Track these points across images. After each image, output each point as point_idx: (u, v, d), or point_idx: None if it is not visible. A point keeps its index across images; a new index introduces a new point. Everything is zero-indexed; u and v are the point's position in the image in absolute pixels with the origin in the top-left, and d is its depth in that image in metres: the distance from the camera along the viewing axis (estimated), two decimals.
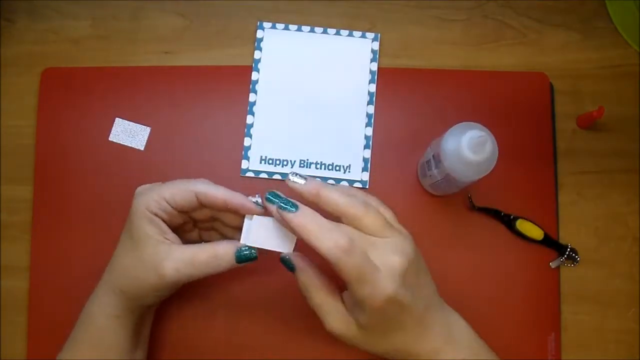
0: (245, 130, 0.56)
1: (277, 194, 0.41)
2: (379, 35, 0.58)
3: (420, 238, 0.55)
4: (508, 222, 0.55)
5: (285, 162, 0.56)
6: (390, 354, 0.43)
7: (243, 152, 0.56)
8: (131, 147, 0.56)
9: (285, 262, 0.43)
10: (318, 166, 0.56)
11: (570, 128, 0.58)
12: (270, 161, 0.56)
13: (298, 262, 0.42)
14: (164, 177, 0.54)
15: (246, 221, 0.43)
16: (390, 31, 0.59)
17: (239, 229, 0.43)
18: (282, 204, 0.39)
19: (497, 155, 0.45)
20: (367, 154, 0.56)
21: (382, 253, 0.39)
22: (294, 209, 0.39)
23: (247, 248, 0.42)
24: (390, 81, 0.58)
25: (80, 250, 0.54)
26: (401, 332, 0.41)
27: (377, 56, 0.58)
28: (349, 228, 0.39)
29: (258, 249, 0.42)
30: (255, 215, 0.43)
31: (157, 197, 0.42)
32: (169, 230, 0.43)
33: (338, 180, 0.55)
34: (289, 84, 0.57)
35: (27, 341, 0.53)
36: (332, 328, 0.41)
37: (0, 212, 0.55)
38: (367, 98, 0.57)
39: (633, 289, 0.55)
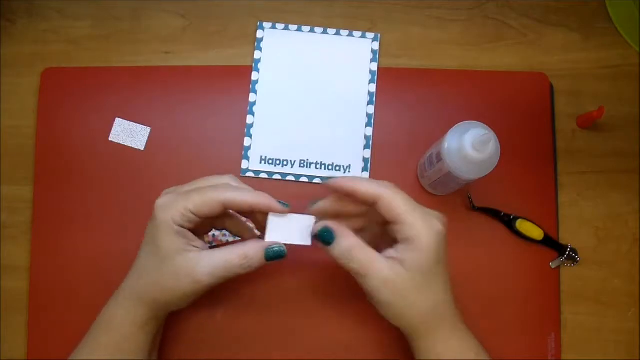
0: (245, 130, 0.56)
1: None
2: (379, 35, 0.58)
3: None
4: (508, 222, 0.55)
5: (285, 162, 0.56)
6: (429, 314, 0.43)
7: (243, 152, 0.56)
8: (131, 147, 0.56)
9: (322, 233, 0.43)
10: (318, 166, 0.56)
11: (570, 128, 0.58)
12: (271, 161, 0.56)
13: (336, 227, 0.43)
14: (164, 177, 0.55)
15: (270, 219, 0.44)
16: (390, 31, 0.59)
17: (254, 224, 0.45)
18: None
19: (499, 153, 0.46)
20: (367, 154, 0.56)
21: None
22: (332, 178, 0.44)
23: (276, 246, 0.43)
24: (390, 81, 0.58)
25: (80, 250, 0.54)
26: (442, 287, 0.43)
27: (377, 56, 0.58)
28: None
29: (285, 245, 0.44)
30: (277, 214, 0.44)
31: (182, 210, 0.42)
32: (195, 238, 0.44)
33: None
34: (289, 84, 0.57)
35: (27, 341, 0.53)
36: (382, 275, 0.42)
37: (0, 212, 0.55)
38: (367, 98, 0.57)
39: (633, 289, 0.55)
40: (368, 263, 0.42)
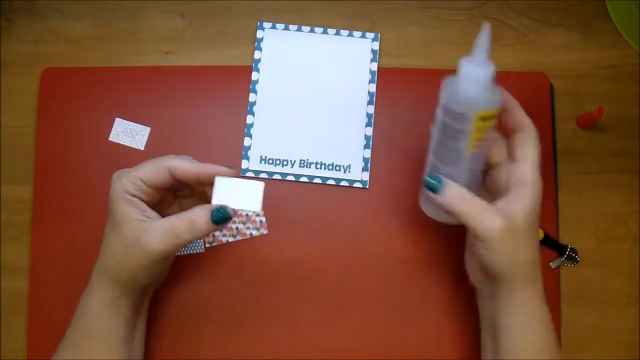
0: (245, 130, 0.56)
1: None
2: (379, 35, 0.58)
3: (420, 238, 0.55)
4: None
5: (285, 162, 0.56)
6: (534, 263, 0.44)
7: (243, 152, 0.56)
8: (131, 147, 0.56)
9: (431, 180, 0.44)
10: (318, 166, 0.56)
11: (570, 128, 0.58)
12: (271, 161, 0.56)
13: (443, 178, 0.44)
14: None
15: (216, 182, 0.43)
16: (390, 31, 0.59)
17: None
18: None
19: (495, 72, 0.42)
20: (367, 153, 0.56)
21: None
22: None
23: (220, 208, 0.42)
24: (390, 81, 0.58)
25: (80, 251, 0.54)
26: (537, 244, 0.44)
27: (377, 56, 0.58)
28: None
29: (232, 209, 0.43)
30: (224, 177, 0.43)
31: (132, 179, 0.43)
32: (148, 208, 0.44)
33: (338, 180, 0.55)
34: (289, 84, 0.57)
35: (27, 341, 0.53)
36: (496, 221, 0.42)
37: (0, 212, 0.55)
38: (367, 98, 0.57)
39: (633, 289, 0.55)
40: (482, 208, 0.43)
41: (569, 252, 0.55)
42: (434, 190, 0.44)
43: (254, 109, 0.57)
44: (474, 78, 0.42)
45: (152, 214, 0.44)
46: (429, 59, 0.59)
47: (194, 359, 0.52)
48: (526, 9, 0.60)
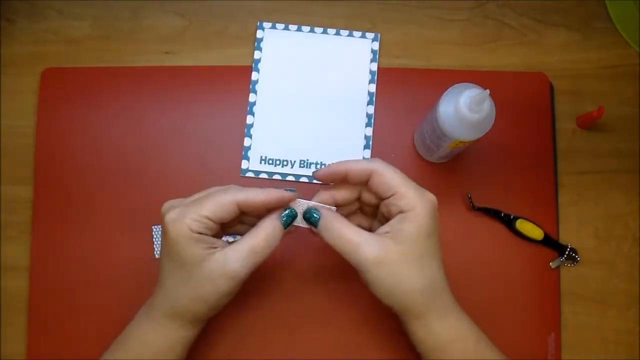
0: (245, 130, 0.56)
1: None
2: (379, 35, 0.58)
3: None
4: (508, 222, 0.55)
5: (285, 162, 0.56)
6: (423, 292, 0.43)
7: (243, 152, 0.56)
8: (131, 147, 0.56)
9: (308, 215, 0.45)
10: (318, 166, 0.56)
11: (570, 128, 0.58)
12: (271, 161, 0.56)
13: (322, 208, 0.45)
14: (164, 177, 0.55)
15: (294, 205, 0.45)
16: (390, 31, 0.59)
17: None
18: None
19: (494, 114, 0.46)
20: (367, 154, 0.56)
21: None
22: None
23: (286, 209, 0.44)
24: (390, 81, 0.58)
25: (80, 250, 0.54)
26: (435, 263, 0.43)
27: (377, 56, 0.58)
28: None
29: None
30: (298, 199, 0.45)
31: (197, 217, 0.42)
32: (214, 239, 0.44)
33: None
34: (289, 84, 0.57)
35: (27, 341, 0.53)
36: (370, 253, 0.42)
37: (1, 212, 0.55)
38: (367, 98, 0.57)
39: (633, 289, 0.55)
40: (356, 241, 0.42)
41: (569, 252, 0.55)
42: (313, 224, 0.45)
43: (254, 109, 0.57)
44: (463, 120, 0.45)
45: (220, 242, 0.44)
46: (429, 59, 0.59)
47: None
48: (526, 9, 0.60)
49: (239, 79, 0.57)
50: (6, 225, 0.55)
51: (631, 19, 0.59)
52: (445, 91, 0.47)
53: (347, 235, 0.43)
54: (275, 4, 0.59)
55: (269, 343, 0.53)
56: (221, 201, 0.42)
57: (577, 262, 0.55)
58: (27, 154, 0.56)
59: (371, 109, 0.57)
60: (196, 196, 0.45)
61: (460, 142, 0.47)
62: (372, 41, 0.58)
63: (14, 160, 0.56)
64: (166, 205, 0.45)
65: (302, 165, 0.56)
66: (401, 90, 0.57)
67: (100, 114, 0.56)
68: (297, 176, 0.56)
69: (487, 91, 0.43)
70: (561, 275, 0.55)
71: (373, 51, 0.58)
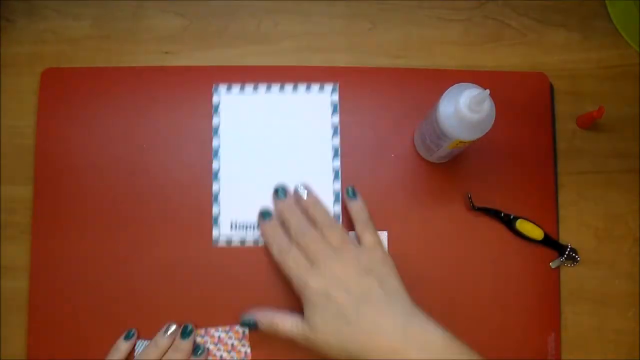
0: (212, 197, 0.55)
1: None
2: (337, 85, 0.57)
3: (419, 238, 0.55)
4: (508, 222, 0.55)
5: (256, 226, 0.55)
6: (352, 353, 0.46)
7: (212, 221, 0.54)
8: (131, 147, 0.56)
9: (244, 323, 0.51)
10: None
11: (570, 128, 0.58)
12: (242, 226, 0.54)
13: (255, 313, 0.51)
14: (164, 177, 0.55)
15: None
16: (390, 31, 0.59)
17: None
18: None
19: (494, 114, 0.46)
20: (338, 208, 0.55)
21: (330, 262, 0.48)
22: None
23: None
24: (390, 81, 0.57)
25: (80, 250, 0.54)
26: (347, 327, 0.46)
27: (338, 108, 0.56)
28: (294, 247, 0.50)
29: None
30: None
31: None
32: None
33: None
34: (251, 147, 0.56)
35: (27, 341, 0.53)
36: (285, 329, 0.48)
37: (0, 212, 0.55)
38: (331, 152, 0.56)
39: (633, 289, 0.55)
40: (282, 325, 0.48)
41: (569, 252, 0.55)
42: (249, 327, 0.51)
43: (219, 175, 0.55)
44: (463, 120, 0.45)
45: None
46: (429, 59, 0.59)
47: None
48: (526, 9, 0.60)
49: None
50: (6, 225, 0.55)
51: (631, 19, 0.59)
52: (445, 91, 0.47)
53: (279, 323, 0.49)
54: (275, 4, 0.59)
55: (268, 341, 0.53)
56: None
57: (577, 262, 0.55)
58: (27, 154, 0.56)
59: (337, 163, 0.56)
60: None
61: (460, 142, 0.47)
62: (332, 93, 0.57)
63: (14, 160, 0.56)
64: None
65: None
66: (401, 90, 0.57)
67: (100, 114, 0.56)
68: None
69: (487, 91, 0.43)
70: (561, 275, 0.55)
71: (333, 104, 0.57)
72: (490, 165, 0.56)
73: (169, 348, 0.51)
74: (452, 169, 0.56)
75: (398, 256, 0.54)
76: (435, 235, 0.55)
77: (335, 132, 0.56)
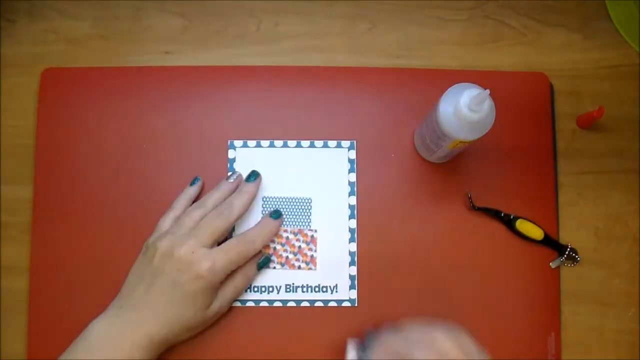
0: None
1: None
2: (355, 142, 0.56)
3: (420, 238, 0.55)
4: (508, 222, 0.55)
5: (271, 289, 0.53)
6: None
7: None
8: (131, 147, 0.56)
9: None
10: (304, 289, 0.53)
11: (570, 128, 0.58)
12: (256, 289, 0.53)
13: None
14: (164, 177, 0.55)
15: None
16: (390, 31, 0.59)
17: None
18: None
19: (494, 114, 0.46)
20: (353, 270, 0.54)
21: None
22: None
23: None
24: (390, 81, 0.57)
25: (80, 251, 0.54)
26: None
27: (355, 166, 0.55)
28: None
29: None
30: None
31: (228, 271, 0.49)
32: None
33: (326, 302, 0.53)
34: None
35: (27, 341, 0.53)
36: None
37: (0, 212, 0.55)
38: (348, 212, 0.55)
39: (633, 289, 0.55)
40: None
41: (569, 252, 0.55)
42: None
43: (233, 234, 0.54)
44: (463, 120, 0.45)
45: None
46: (429, 59, 0.59)
47: None
48: (526, 9, 0.60)
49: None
50: (6, 225, 0.55)
51: (631, 19, 0.59)
52: (445, 91, 0.47)
53: None
54: (275, 4, 0.59)
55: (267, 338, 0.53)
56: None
57: (577, 262, 0.55)
58: (27, 154, 0.56)
59: (353, 223, 0.54)
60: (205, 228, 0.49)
61: (460, 142, 0.47)
62: (349, 150, 0.56)
63: (14, 160, 0.56)
64: (178, 238, 0.49)
65: (287, 290, 0.53)
66: (401, 90, 0.57)
67: (100, 114, 0.56)
68: (284, 301, 0.53)
69: (487, 91, 0.43)
70: (561, 275, 0.55)
71: (350, 161, 0.55)
72: (490, 165, 0.56)
73: (233, 192, 0.52)
74: (452, 169, 0.56)
75: (398, 256, 0.54)
76: (435, 235, 0.55)
77: (352, 190, 0.55)
